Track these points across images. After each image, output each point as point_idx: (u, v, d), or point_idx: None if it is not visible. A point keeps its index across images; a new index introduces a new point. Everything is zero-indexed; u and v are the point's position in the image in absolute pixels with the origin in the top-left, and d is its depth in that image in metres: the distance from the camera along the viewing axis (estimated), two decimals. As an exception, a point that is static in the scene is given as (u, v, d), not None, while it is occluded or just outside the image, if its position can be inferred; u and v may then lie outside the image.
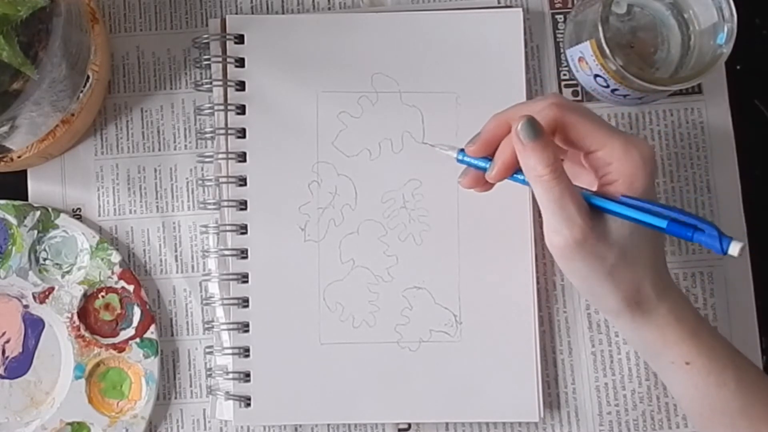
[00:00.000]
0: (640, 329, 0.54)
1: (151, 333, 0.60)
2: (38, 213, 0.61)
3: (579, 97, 0.63)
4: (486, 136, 0.53)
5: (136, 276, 0.61)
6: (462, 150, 0.54)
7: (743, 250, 0.48)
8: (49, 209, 0.61)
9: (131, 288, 0.61)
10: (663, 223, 0.50)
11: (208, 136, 0.62)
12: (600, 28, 0.56)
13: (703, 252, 0.62)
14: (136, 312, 0.61)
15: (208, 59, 0.62)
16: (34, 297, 0.60)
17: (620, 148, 0.51)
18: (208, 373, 0.61)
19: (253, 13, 0.63)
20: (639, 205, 0.50)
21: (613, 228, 0.51)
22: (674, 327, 0.53)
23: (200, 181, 0.62)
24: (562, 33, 0.63)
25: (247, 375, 0.59)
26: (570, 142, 0.52)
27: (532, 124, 0.50)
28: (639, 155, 0.51)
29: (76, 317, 0.60)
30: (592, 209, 0.51)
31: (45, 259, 0.61)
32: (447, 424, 0.61)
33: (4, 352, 0.61)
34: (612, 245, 0.51)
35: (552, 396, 0.61)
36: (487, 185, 0.55)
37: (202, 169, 0.62)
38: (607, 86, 0.60)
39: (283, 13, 0.64)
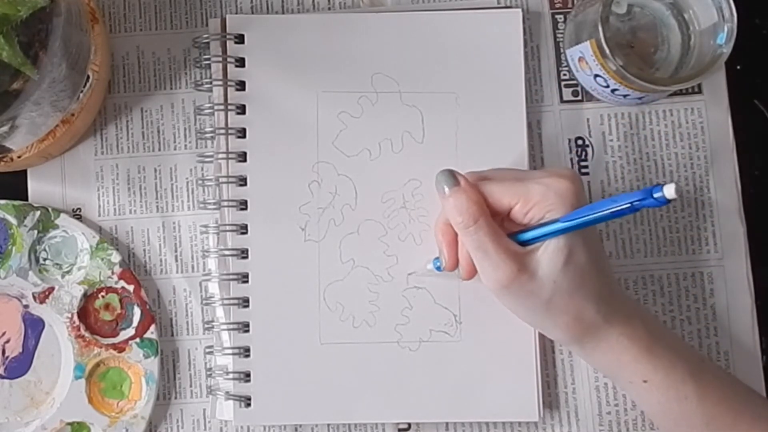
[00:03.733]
0: (593, 354, 0.54)
1: (151, 333, 0.60)
2: (38, 213, 0.61)
3: (579, 97, 0.63)
4: (447, 249, 0.55)
5: (136, 276, 0.61)
6: (436, 258, 0.57)
7: (680, 189, 0.46)
8: (49, 209, 0.61)
9: (131, 288, 0.61)
10: (608, 212, 0.49)
11: (208, 136, 0.62)
12: (600, 28, 0.56)
13: (702, 252, 0.62)
14: (136, 312, 0.61)
15: (208, 59, 0.62)
16: (34, 297, 0.60)
17: (538, 193, 0.52)
18: (208, 373, 0.61)
19: (253, 13, 0.63)
20: (573, 216, 0.50)
21: (544, 264, 0.51)
22: (627, 348, 0.53)
23: (200, 181, 0.62)
24: (562, 33, 0.63)
25: (248, 375, 0.59)
26: (493, 211, 0.53)
27: (447, 174, 0.53)
28: (555, 195, 0.51)
29: (76, 317, 0.60)
30: (524, 246, 0.52)
31: (45, 259, 0.61)
32: (447, 423, 0.60)
33: (4, 352, 0.61)
34: (544, 281, 0.51)
35: (552, 396, 0.61)
36: None
37: (202, 169, 0.62)
38: (607, 86, 0.60)
39: (283, 13, 0.64)
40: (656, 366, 0.53)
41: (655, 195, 0.46)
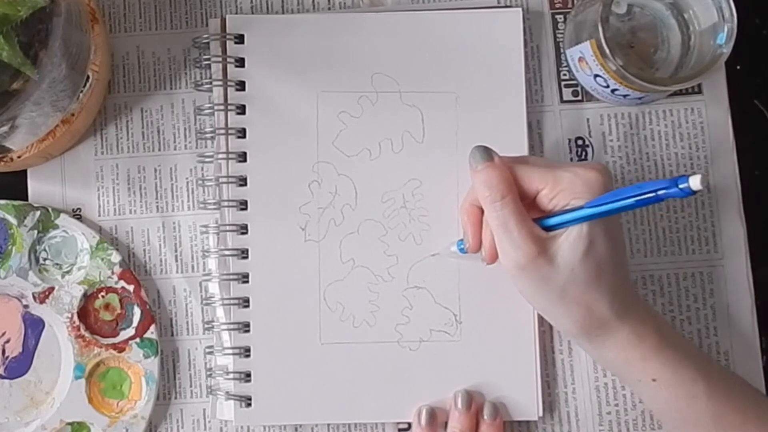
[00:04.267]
0: (601, 350, 0.54)
1: (151, 333, 0.60)
2: (38, 213, 0.61)
3: (579, 97, 0.63)
4: (471, 230, 0.55)
5: (136, 276, 0.61)
6: (461, 240, 0.57)
7: (705, 180, 0.45)
8: (49, 209, 0.61)
9: (131, 288, 0.61)
10: (632, 201, 0.49)
11: (208, 136, 0.62)
12: (600, 28, 0.56)
13: (703, 252, 0.62)
14: (136, 312, 0.61)
15: (208, 59, 0.62)
16: (34, 297, 0.60)
17: (566, 180, 0.52)
18: (209, 373, 0.61)
19: (253, 13, 0.63)
20: (597, 202, 0.50)
21: (564, 251, 0.51)
22: (636, 346, 0.53)
23: (200, 181, 0.62)
24: (562, 33, 0.63)
25: (248, 375, 0.59)
26: (521, 193, 0.53)
27: (482, 149, 0.53)
28: (582, 184, 0.51)
29: (76, 317, 0.60)
30: (547, 232, 0.52)
31: (45, 259, 0.61)
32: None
33: (4, 352, 0.61)
34: (562, 268, 0.51)
35: (552, 396, 0.61)
36: None
37: (202, 169, 0.62)
38: (607, 86, 0.60)
39: (283, 13, 0.64)
40: (665, 365, 0.53)
41: (681, 185, 0.45)
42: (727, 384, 0.54)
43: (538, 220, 0.52)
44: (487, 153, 0.53)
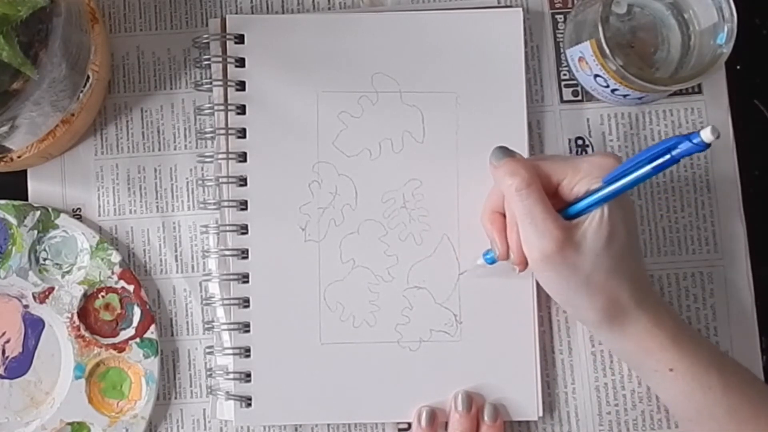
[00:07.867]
0: (620, 339, 0.54)
1: (151, 333, 0.60)
2: (38, 213, 0.61)
3: (579, 97, 0.63)
4: (499, 237, 0.55)
5: (136, 276, 0.61)
6: (488, 251, 0.57)
7: (716, 131, 0.45)
8: (49, 209, 0.61)
9: (131, 288, 0.61)
10: (648, 168, 0.49)
11: (208, 136, 0.62)
12: (600, 28, 0.56)
13: (703, 252, 0.62)
14: (136, 312, 0.61)
15: (208, 59, 0.62)
16: (34, 297, 0.60)
17: (584, 168, 0.52)
18: (209, 373, 0.61)
19: (253, 13, 0.63)
20: (614, 176, 0.51)
21: (589, 237, 0.52)
22: (654, 335, 0.53)
23: (200, 181, 0.62)
24: (562, 33, 0.63)
25: (248, 375, 0.59)
26: (544, 187, 0.53)
27: (503, 149, 0.54)
28: (600, 169, 0.52)
29: (76, 317, 0.60)
30: (570, 221, 0.52)
31: (45, 259, 0.61)
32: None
33: (4, 352, 0.61)
34: (586, 256, 0.52)
35: (552, 396, 0.61)
36: None
37: (202, 169, 0.62)
38: (607, 86, 0.60)
39: (283, 13, 0.64)
40: (682, 355, 0.53)
41: (694, 141, 0.45)
42: (739, 376, 0.54)
43: (560, 212, 0.53)
44: (508, 151, 0.54)
